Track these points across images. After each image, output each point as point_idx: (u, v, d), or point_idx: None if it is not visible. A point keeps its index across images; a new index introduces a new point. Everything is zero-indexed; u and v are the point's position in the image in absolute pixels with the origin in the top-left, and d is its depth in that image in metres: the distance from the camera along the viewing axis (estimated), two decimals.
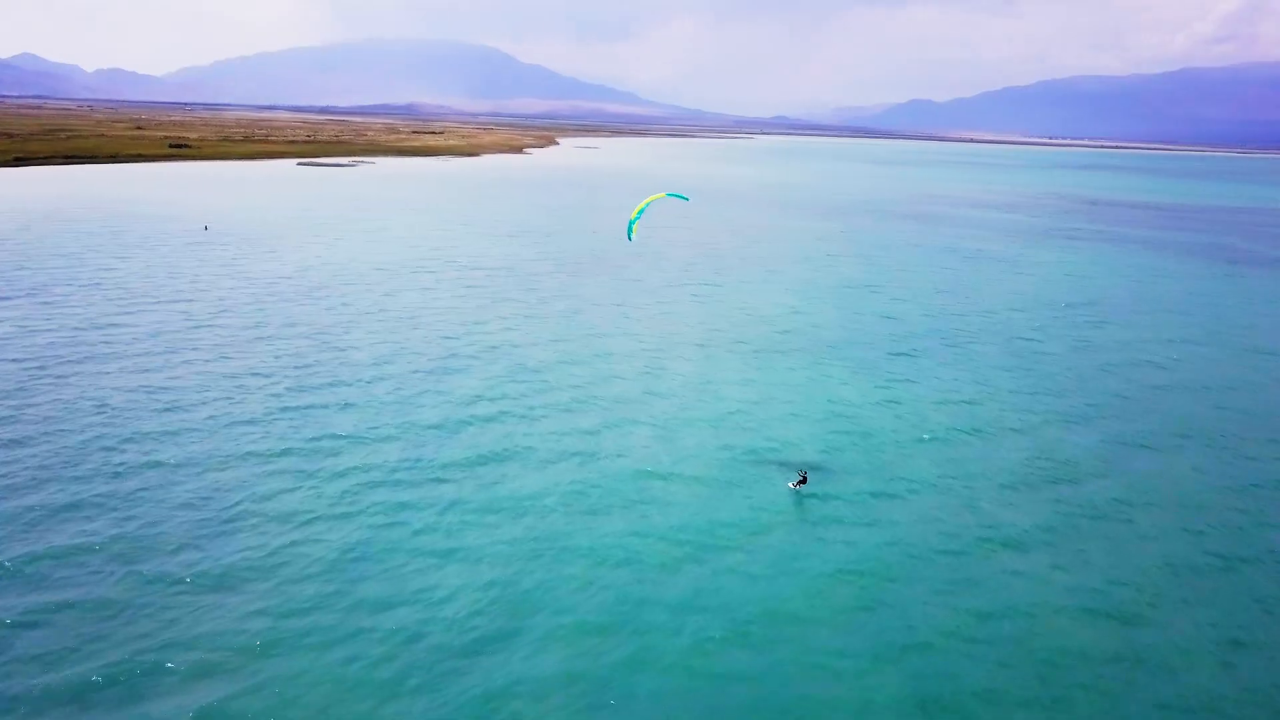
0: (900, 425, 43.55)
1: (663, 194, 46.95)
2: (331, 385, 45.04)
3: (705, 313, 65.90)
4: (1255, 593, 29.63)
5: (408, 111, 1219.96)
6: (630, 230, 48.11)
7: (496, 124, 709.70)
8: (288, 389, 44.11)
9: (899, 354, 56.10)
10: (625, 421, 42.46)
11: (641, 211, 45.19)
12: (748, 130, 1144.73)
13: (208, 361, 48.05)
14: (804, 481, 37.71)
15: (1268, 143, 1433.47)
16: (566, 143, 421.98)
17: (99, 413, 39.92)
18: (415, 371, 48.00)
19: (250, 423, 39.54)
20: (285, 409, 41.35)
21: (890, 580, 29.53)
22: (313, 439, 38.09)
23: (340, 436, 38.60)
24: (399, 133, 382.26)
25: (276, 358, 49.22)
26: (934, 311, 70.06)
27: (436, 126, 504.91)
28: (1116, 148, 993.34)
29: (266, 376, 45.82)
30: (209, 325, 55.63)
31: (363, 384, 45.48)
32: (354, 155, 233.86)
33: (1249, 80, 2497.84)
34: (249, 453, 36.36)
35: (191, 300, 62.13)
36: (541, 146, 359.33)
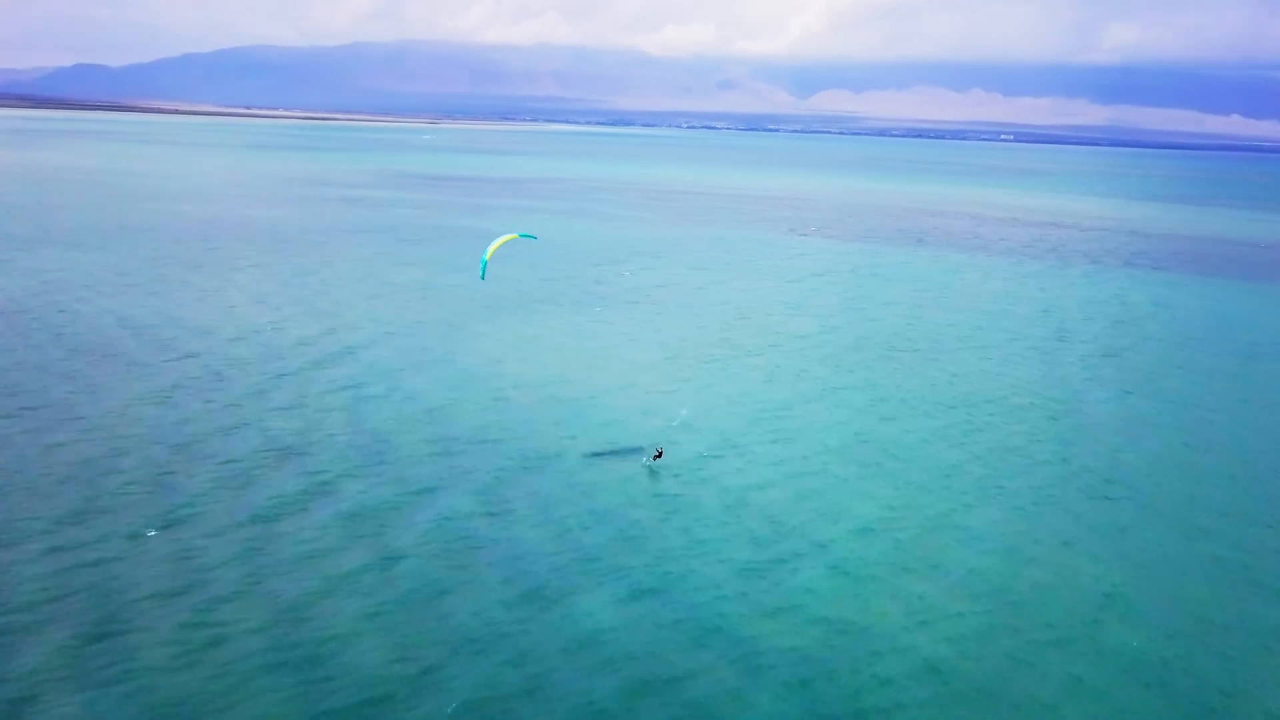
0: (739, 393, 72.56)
1: (515, 234, 50.17)
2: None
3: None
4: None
5: None
6: (484, 269, 50.20)
7: None
8: None
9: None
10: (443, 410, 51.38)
11: (493, 251, 48.12)
12: None
13: None
14: (660, 456, 44.47)
15: (425, 111, 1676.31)
16: None
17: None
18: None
19: None
20: None
21: (737, 544, 37.05)
22: None
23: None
24: None
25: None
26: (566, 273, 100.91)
27: None
28: (316, 118, 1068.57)
29: None
30: None
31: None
32: None
33: (406, 55, 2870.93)
34: None
35: None
36: None
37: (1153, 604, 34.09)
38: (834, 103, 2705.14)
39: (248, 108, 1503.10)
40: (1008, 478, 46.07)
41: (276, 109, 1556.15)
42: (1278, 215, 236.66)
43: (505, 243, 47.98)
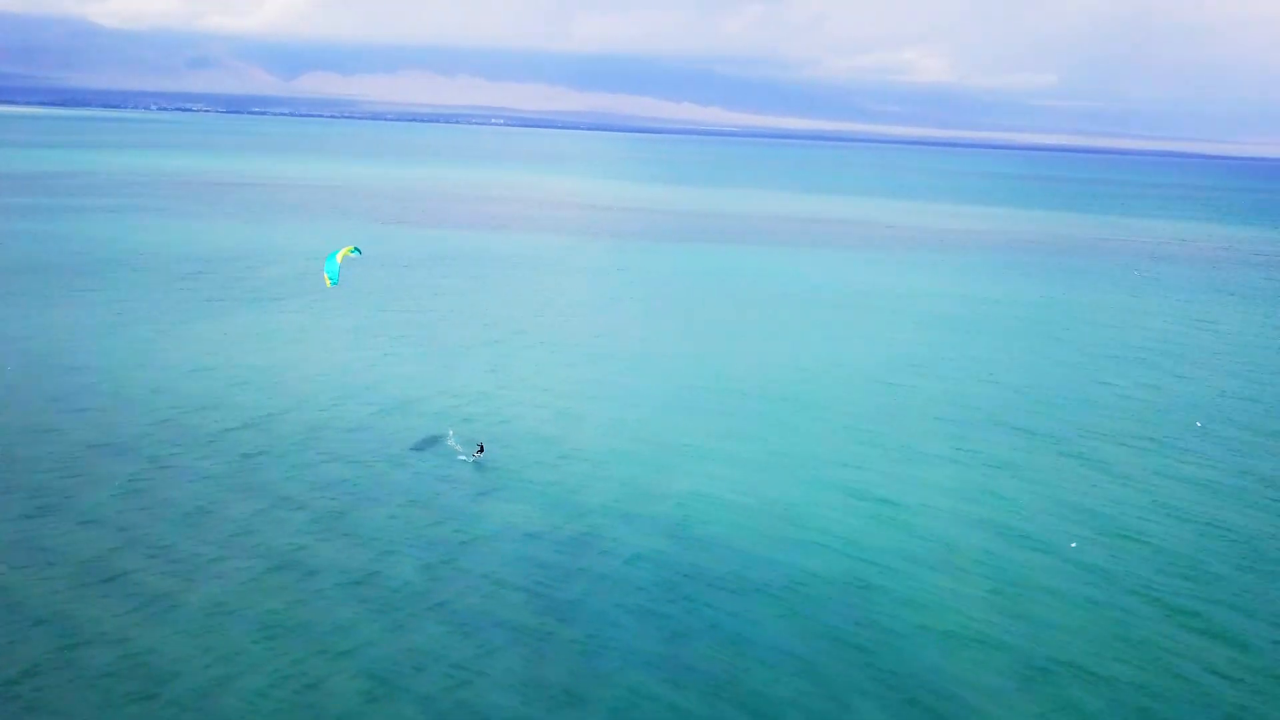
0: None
1: (350, 248, 53.27)
2: None
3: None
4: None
5: None
6: (336, 275, 51.61)
7: None
8: None
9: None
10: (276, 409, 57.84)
11: (333, 257, 51.61)
12: None
13: None
14: (481, 452, 48.61)
15: None
16: None
17: None
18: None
19: None
20: None
21: (559, 536, 42.28)
22: None
23: None
24: None
25: None
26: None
27: None
28: None
29: None
30: None
31: None
32: None
33: None
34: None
35: None
36: None
37: (795, 457, 57.12)
38: (322, 85, 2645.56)
39: None
40: (629, 392, 67.61)
41: None
42: (751, 191, 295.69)
43: (346, 255, 52.59)
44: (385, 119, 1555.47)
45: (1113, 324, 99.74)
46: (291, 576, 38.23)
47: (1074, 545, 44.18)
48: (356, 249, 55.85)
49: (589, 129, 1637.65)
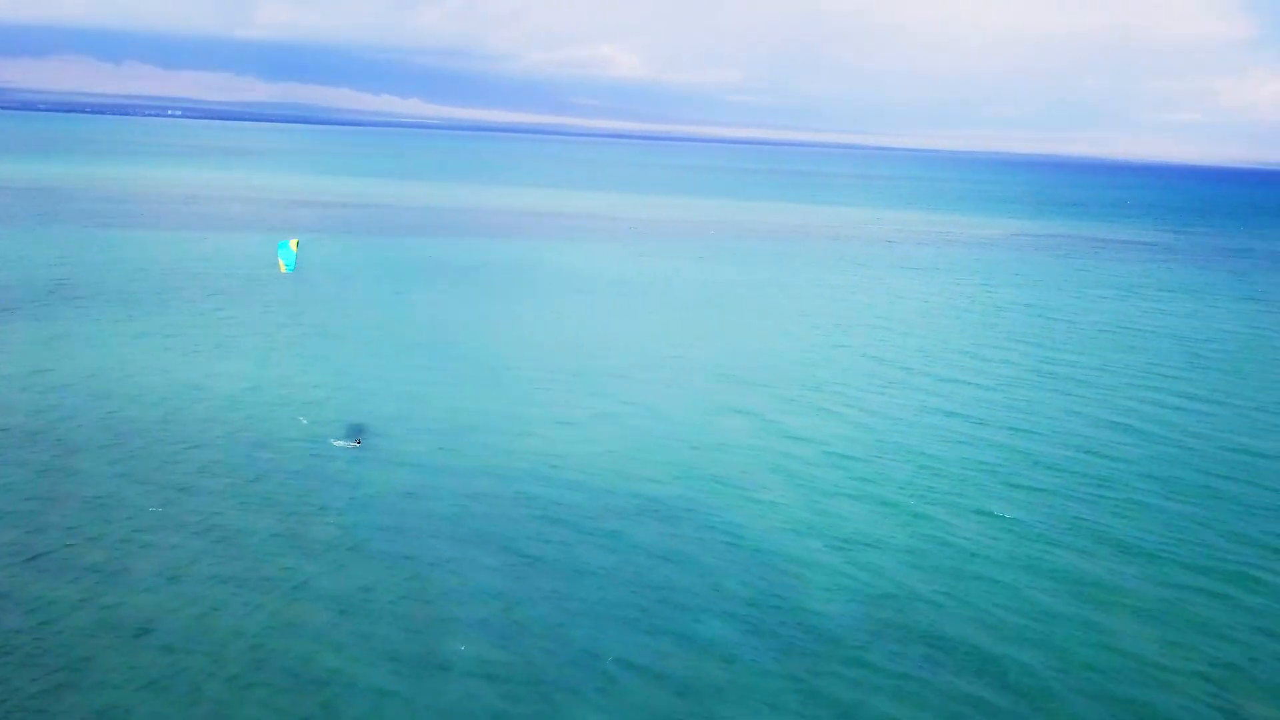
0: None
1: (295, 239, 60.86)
2: None
3: None
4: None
5: None
6: (293, 262, 58.71)
7: None
8: None
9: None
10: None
11: (286, 245, 58.29)
12: None
13: None
14: (359, 443, 54.14)
15: None
16: None
17: None
18: None
19: None
20: None
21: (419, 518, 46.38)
22: None
23: None
24: None
25: None
26: None
27: None
28: None
29: None
30: None
31: None
32: None
33: None
34: None
35: None
36: None
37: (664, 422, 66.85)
38: None
39: None
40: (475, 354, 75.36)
41: None
42: (475, 187, 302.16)
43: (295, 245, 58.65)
44: (38, 110, 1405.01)
45: (827, 299, 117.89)
46: (212, 541, 43.16)
47: (850, 463, 57.34)
48: (300, 241, 61.04)
49: (281, 121, 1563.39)
